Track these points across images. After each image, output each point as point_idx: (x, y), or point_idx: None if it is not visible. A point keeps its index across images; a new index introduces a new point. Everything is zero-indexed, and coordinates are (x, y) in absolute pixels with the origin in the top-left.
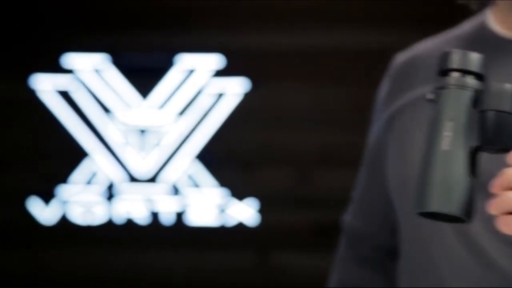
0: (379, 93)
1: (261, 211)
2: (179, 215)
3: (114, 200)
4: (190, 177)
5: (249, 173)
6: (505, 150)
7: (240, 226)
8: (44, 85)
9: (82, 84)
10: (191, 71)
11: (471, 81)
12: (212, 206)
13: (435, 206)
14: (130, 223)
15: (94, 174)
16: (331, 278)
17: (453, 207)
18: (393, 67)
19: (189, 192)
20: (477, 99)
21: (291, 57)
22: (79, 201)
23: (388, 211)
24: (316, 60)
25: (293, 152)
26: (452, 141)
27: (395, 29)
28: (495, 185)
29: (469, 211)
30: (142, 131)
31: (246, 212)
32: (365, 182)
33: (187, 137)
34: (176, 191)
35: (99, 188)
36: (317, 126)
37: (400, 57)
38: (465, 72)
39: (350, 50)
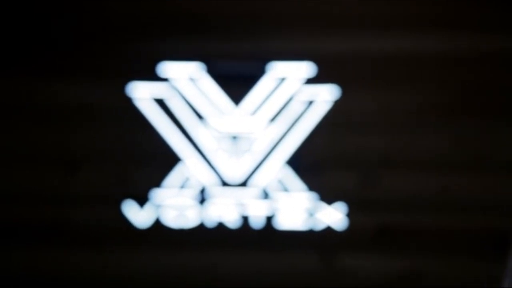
0: None
1: (349, 215)
2: (269, 219)
3: (206, 204)
4: (279, 182)
5: (338, 178)
6: None
7: (328, 230)
8: (141, 93)
9: (177, 92)
10: (283, 79)
11: None
12: (301, 210)
13: None
14: (221, 226)
15: (187, 179)
16: (504, 285)
17: None
18: None
19: (278, 196)
20: None
21: (381, 64)
22: (173, 205)
23: None
24: (406, 66)
25: (384, 157)
26: None
27: (482, 36)
28: None
29: None
30: (234, 137)
31: (334, 215)
32: None
33: (278, 143)
34: (266, 195)
35: (192, 192)
36: (410, 131)
37: None
38: None
39: (439, 56)
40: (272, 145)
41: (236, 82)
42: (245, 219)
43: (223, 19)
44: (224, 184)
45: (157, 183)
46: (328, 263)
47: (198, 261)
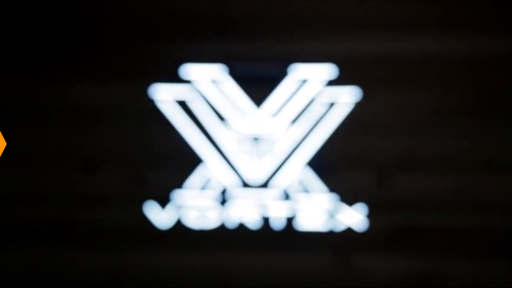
0: None
1: (369, 216)
2: (289, 220)
3: (227, 205)
4: (300, 183)
5: (359, 179)
6: None
7: (348, 231)
8: (163, 95)
9: (199, 94)
10: (304, 81)
11: None
12: (321, 211)
13: None
14: (241, 227)
15: (208, 180)
16: None
17: None
18: None
19: (299, 198)
20: None
21: (403, 66)
22: (194, 206)
23: None
24: (429, 68)
25: (405, 159)
26: None
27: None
28: None
29: None
30: (255, 139)
31: (354, 217)
32: None
33: (299, 144)
34: (286, 196)
35: (213, 193)
36: (429, 132)
37: None
38: None
39: (462, 57)
40: (293, 147)
41: (258, 84)
42: (266, 220)
43: (245, 21)
44: (245, 185)
45: (179, 184)
46: (347, 264)
47: (219, 261)
